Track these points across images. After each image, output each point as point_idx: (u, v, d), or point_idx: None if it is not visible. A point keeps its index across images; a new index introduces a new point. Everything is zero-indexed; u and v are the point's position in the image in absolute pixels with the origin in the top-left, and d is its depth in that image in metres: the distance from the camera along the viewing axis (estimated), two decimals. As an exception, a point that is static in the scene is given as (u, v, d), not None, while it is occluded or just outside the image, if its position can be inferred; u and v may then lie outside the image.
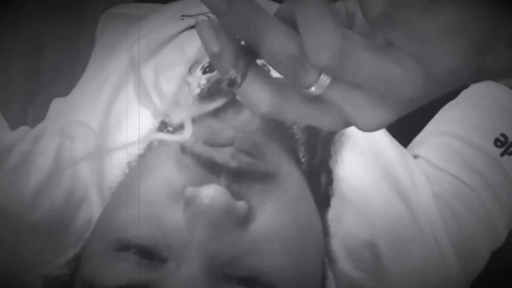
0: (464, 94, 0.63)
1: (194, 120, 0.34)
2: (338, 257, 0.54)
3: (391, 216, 0.56)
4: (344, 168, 0.55)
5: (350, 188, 0.55)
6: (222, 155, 0.42)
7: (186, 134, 0.34)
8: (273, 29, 0.29)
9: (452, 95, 0.64)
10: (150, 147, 0.48)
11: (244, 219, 0.41)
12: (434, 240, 0.56)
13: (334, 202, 0.54)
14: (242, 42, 0.30)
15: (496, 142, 0.58)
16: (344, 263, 0.54)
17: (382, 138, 0.58)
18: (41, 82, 1.13)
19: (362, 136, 0.56)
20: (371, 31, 0.30)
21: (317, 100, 0.31)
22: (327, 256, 0.53)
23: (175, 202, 0.41)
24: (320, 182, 0.53)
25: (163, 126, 0.51)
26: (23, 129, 0.57)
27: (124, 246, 0.41)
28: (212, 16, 0.29)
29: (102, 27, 0.79)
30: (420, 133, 0.65)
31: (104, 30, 0.78)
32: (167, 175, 0.43)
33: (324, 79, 0.30)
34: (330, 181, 0.54)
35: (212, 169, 0.42)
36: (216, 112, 0.41)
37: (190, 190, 0.40)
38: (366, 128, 0.31)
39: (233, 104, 0.44)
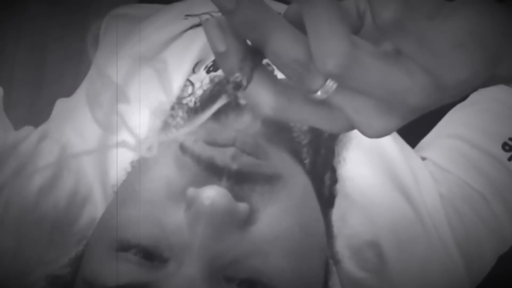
0: (473, 96, 0.63)
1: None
2: (342, 258, 0.54)
3: (395, 216, 0.55)
4: (348, 168, 0.55)
5: (354, 188, 0.55)
6: (223, 157, 0.42)
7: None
8: (280, 31, 0.28)
9: (461, 97, 0.63)
10: (150, 147, 0.48)
11: (246, 221, 0.41)
12: (439, 240, 0.55)
13: (338, 201, 0.54)
14: (249, 43, 0.30)
15: (504, 146, 0.58)
16: (348, 264, 0.54)
17: (386, 138, 0.58)
18: (45, 83, 1.13)
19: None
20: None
21: (322, 103, 0.31)
22: (331, 257, 0.53)
23: (176, 202, 0.41)
24: (324, 182, 0.53)
25: (165, 125, 0.51)
26: (27, 129, 0.57)
27: (124, 247, 0.41)
28: (216, 15, 0.29)
29: (106, 28, 0.79)
30: (427, 135, 0.65)
31: (108, 31, 0.78)
32: (166, 175, 0.42)
33: (331, 85, 0.29)
34: (334, 180, 0.54)
35: (213, 171, 0.42)
36: (217, 115, 0.41)
37: (191, 191, 0.40)
38: (371, 135, 0.31)
39: (234, 107, 0.44)
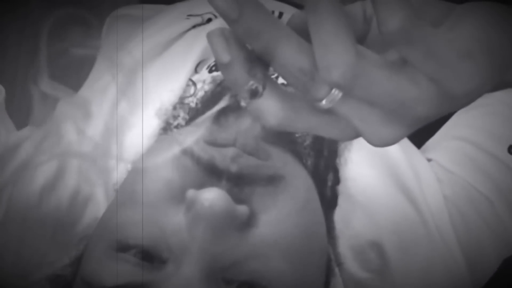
0: (479, 99, 0.62)
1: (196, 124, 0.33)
2: (345, 259, 0.54)
3: (397, 217, 0.55)
4: (350, 168, 0.55)
5: (357, 188, 0.55)
6: (223, 158, 0.42)
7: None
8: (285, 40, 0.28)
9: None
10: (151, 147, 0.48)
11: (245, 223, 0.41)
12: (442, 242, 0.55)
13: (340, 202, 0.54)
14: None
15: (510, 149, 0.57)
16: (351, 264, 0.54)
17: None
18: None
19: None
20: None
21: (328, 112, 0.30)
22: (334, 258, 0.53)
23: (175, 203, 0.41)
24: (326, 183, 0.53)
25: (167, 125, 0.51)
26: (29, 129, 0.57)
27: (123, 247, 0.41)
28: (218, 15, 0.29)
29: (108, 29, 0.79)
30: (433, 137, 0.65)
31: (110, 32, 0.78)
32: (166, 175, 0.42)
33: (336, 93, 0.29)
34: (336, 181, 0.54)
35: (213, 173, 0.42)
36: (217, 117, 0.41)
37: (191, 192, 0.40)
38: (378, 144, 0.31)
39: (234, 109, 0.44)
